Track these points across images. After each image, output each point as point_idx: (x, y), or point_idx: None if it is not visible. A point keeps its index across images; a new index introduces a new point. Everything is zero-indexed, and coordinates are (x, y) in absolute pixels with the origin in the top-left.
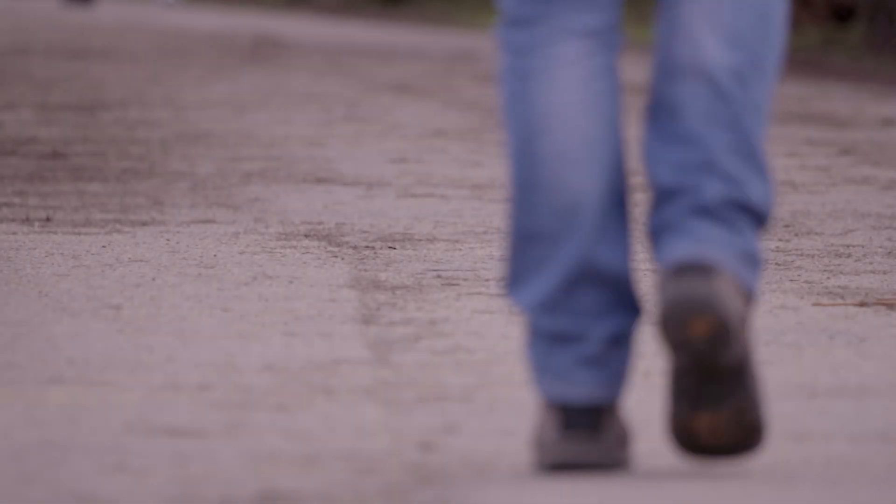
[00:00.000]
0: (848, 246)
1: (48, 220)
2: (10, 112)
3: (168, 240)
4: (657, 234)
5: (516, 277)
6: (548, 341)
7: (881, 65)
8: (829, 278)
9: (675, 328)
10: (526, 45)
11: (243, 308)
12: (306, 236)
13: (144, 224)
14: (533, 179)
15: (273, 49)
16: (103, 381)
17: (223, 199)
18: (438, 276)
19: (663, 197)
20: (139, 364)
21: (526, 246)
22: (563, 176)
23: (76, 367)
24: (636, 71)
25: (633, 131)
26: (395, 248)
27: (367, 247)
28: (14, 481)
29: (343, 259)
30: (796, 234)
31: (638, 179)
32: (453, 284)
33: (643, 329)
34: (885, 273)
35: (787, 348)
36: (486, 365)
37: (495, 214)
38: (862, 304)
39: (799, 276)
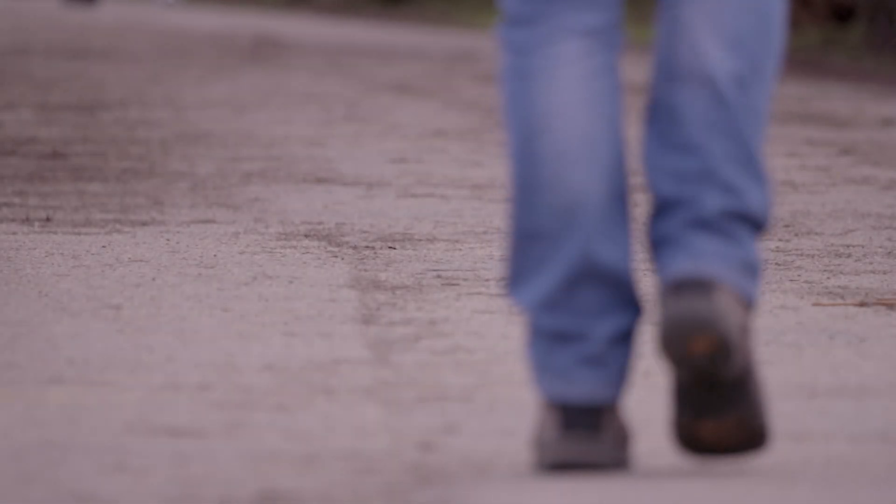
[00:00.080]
0: (848, 246)
1: (48, 220)
2: (10, 112)
3: (168, 240)
4: (657, 246)
5: (517, 277)
6: (548, 340)
7: (881, 65)
8: (829, 278)
9: (675, 346)
10: (527, 45)
11: (243, 308)
12: (306, 236)
13: (144, 224)
14: (534, 178)
15: (273, 49)
16: (103, 381)
17: (223, 199)
18: (438, 276)
19: (662, 208)
20: (139, 364)
21: (527, 245)
22: (564, 175)
23: (76, 367)
24: (636, 71)
25: (634, 131)
26: (395, 248)
27: (367, 247)
28: (14, 481)
29: (343, 259)
30: (796, 234)
31: (638, 179)
32: (453, 284)
33: (643, 329)
34: (885, 273)
35: (787, 348)
36: (486, 365)
37: (495, 214)
38: (862, 304)
39: (799, 276)
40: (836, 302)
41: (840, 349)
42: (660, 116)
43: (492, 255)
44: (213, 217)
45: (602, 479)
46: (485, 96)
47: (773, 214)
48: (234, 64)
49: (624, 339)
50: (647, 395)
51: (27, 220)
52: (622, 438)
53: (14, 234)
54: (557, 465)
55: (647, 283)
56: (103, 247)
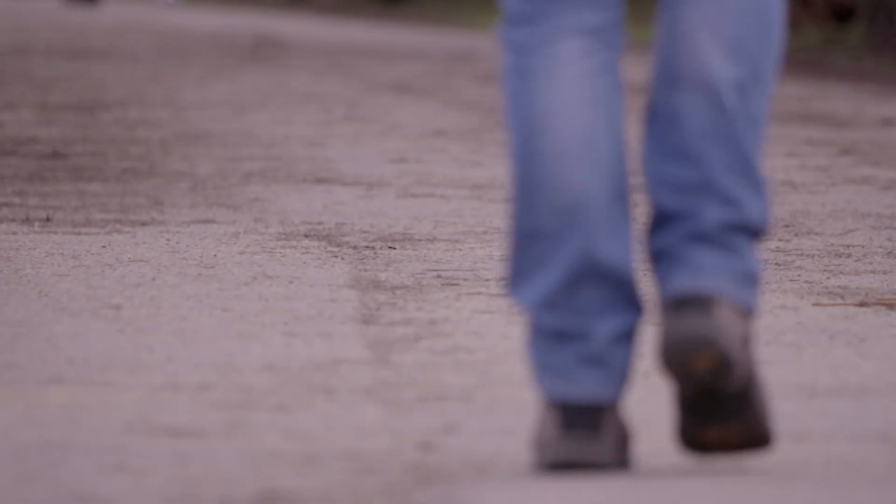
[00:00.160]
0: (848, 246)
1: (48, 220)
2: (10, 112)
3: (168, 240)
4: (656, 258)
5: (518, 276)
6: (549, 339)
7: (881, 65)
8: (829, 278)
9: (676, 364)
10: (527, 44)
11: (243, 308)
12: (306, 236)
13: (144, 224)
14: (534, 178)
15: (273, 49)
16: (103, 381)
17: (223, 199)
18: (438, 276)
19: (661, 220)
20: (139, 364)
21: (528, 244)
22: (565, 174)
23: (76, 367)
24: (636, 71)
25: (634, 131)
26: (395, 248)
27: (367, 247)
28: (14, 481)
29: (343, 259)
30: (796, 234)
31: (638, 179)
32: (453, 284)
33: (644, 328)
34: (885, 273)
35: (787, 348)
36: (486, 365)
37: (495, 214)
38: (862, 304)
39: (799, 276)
40: (836, 302)
41: (840, 349)
42: (659, 121)
43: (492, 255)
44: (213, 217)
45: (602, 479)
46: (485, 96)
47: (771, 221)
48: (234, 64)
49: (625, 339)
50: (647, 395)
51: (27, 220)
52: (622, 438)
53: (14, 234)
54: (558, 464)
55: (647, 283)
56: (103, 247)
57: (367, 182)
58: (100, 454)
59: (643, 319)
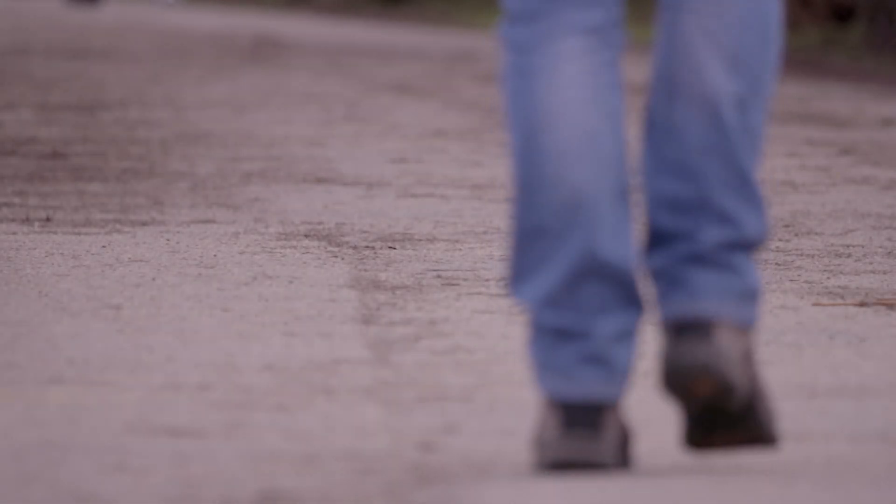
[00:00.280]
0: (848, 246)
1: (48, 220)
2: (10, 112)
3: (168, 240)
4: (654, 278)
5: (520, 274)
6: (551, 337)
7: (881, 65)
8: (829, 278)
9: (677, 389)
10: (528, 43)
11: (243, 308)
12: (306, 236)
13: (144, 224)
14: (536, 176)
15: (273, 49)
16: (103, 381)
17: (223, 199)
18: (438, 276)
19: (659, 239)
20: (139, 364)
21: (530, 242)
22: (566, 172)
23: (76, 367)
24: (636, 71)
25: (634, 131)
26: (395, 248)
27: (367, 247)
28: (14, 481)
29: (343, 259)
30: (796, 234)
31: (638, 179)
32: (453, 284)
33: (645, 328)
34: (885, 273)
35: (787, 348)
36: (486, 365)
37: (495, 214)
38: (862, 304)
39: (799, 276)
40: (836, 302)
41: (840, 349)
42: (657, 132)
43: (492, 255)
44: (213, 217)
45: (602, 478)
46: (485, 96)
47: (769, 234)
48: (234, 64)
49: (626, 338)
50: (647, 395)
51: (27, 220)
52: (623, 438)
53: (14, 234)
54: (558, 463)
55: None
56: (103, 247)
57: (367, 182)
58: (100, 454)
59: (644, 318)
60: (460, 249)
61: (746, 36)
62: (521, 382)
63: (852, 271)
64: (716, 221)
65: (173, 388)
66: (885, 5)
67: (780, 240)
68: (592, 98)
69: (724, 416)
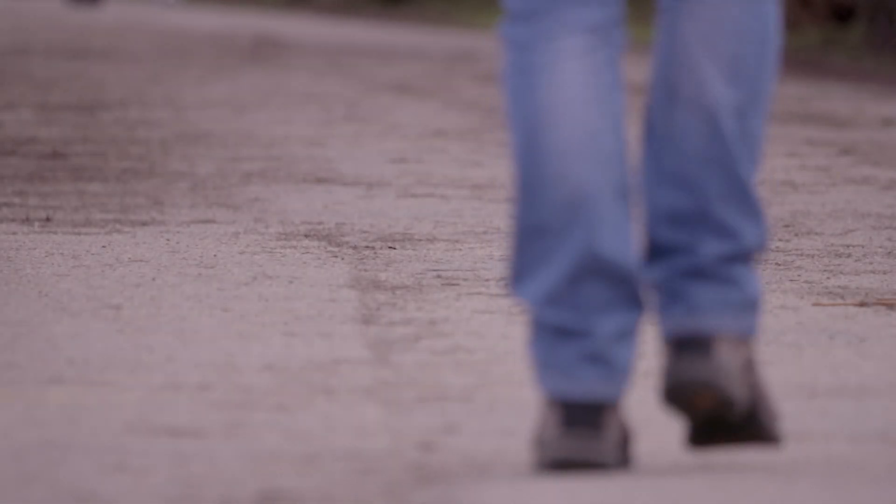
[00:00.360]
0: (848, 246)
1: (48, 220)
2: (10, 112)
3: (168, 240)
4: (654, 290)
5: (521, 272)
6: (552, 336)
7: (881, 65)
8: (829, 278)
9: (678, 403)
10: (529, 41)
11: (243, 308)
12: (306, 236)
13: (144, 224)
14: (537, 174)
15: (273, 49)
16: (103, 381)
17: (223, 199)
18: (438, 276)
19: (658, 253)
20: (139, 364)
21: (531, 240)
22: (568, 170)
23: (76, 367)
24: (636, 71)
25: (634, 131)
26: (395, 248)
27: (367, 247)
28: (14, 481)
29: (343, 259)
30: (796, 234)
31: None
32: (453, 284)
33: (645, 327)
34: (885, 273)
35: (787, 348)
36: (486, 365)
37: (495, 214)
38: (862, 304)
39: (799, 276)
40: (836, 302)
41: (840, 349)
42: (656, 140)
43: (492, 255)
44: (213, 217)
45: (602, 478)
46: (485, 96)
47: (769, 242)
48: (234, 64)
49: (626, 337)
50: (647, 395)
51: (27, 220)
52: (623, 438)
53: (14, 234)
54: (558, 463)
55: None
56: (103, 247)
57: (367, 182)
58: (100, 454)
59: (645, 317)
60: (460, 249)
61: (745, 43)
62: (521, 382)
63: (852, 271)
64: (715, 234)
65: (173, 388)
66: (885, 5)
67: (780, 240)
68: (593, 97)
69: (725, 425)
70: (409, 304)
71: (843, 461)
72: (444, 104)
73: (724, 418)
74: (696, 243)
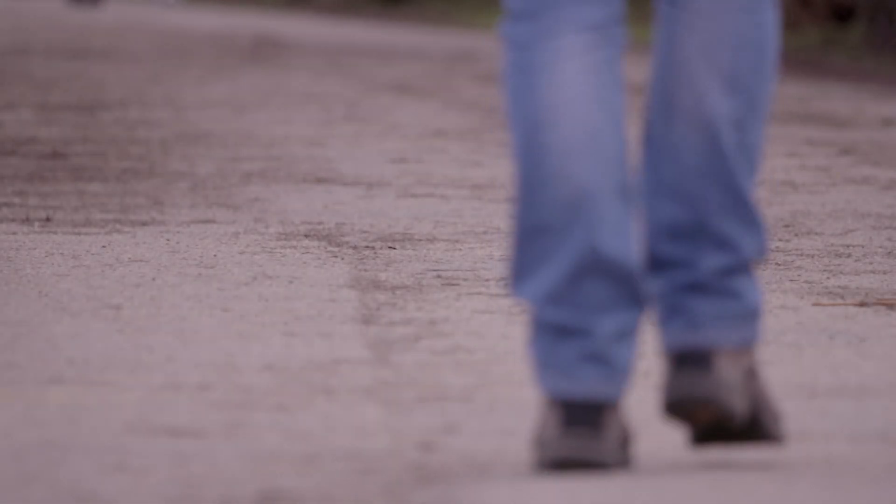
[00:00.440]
0: (848, 246)
1: (48, 220)
2: (10, 112)
3: (168, 240)
4: (655, 302)
5: (521, 271)
6: (552, 335)
7: (881, 65)
8: (829, 278)
9: (679, 416)
10: (530, 39)
11: (243, 308)
12: (306, 236)
13: (144, 224)
14: (538, 173)
15: (273, 49)
16: (103, 381)
17: (223, 199)
18: (438, 276)
19: (658, 265)
20: (139, 364)
21: (532, 239)
22: (569, 168)
23: (76, 367)
24: (636, 71)
25: (634, 131)
26: (395, 248)
27: (367, 247)
28: (14, 481)
29: (343, 259)
30: (796, 234)
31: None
32: (453, 284)
33: (645, 327)
34: (885, 273)
35: (787, 348)
36: (486, 365)
37: (495, 214)
38: (862, 304)
39: (799, 276)
40: (836, 302)
41: (840, 349)
42: (655, 151)
43: (492, 255)
44: (213, 217)
45: (602, 478)
46: (485, 96)
47: (768, 250)
48: (234, 64)
49: (626, 337)
50: (647, 395)
51: (27, 220)
52: (623, 439)
53: (14, 234)
54: (558, 462)
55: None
56: (103, 247)
57: (367, 182)
58: (100, 454)
59: (645, 316)
60: (460, 249)
61: (744, 55)
62: (521, 382)
63: (852, 271)
64: (715, 247)
65: (173, 388)
66: (885, 5)
67: (780, 240)
68: (594, 95)
69: (727, 431)
70: (409, 304)
71: (843, 461)
72: (444, 104)
73: (725, 427)
74: (695, 257)
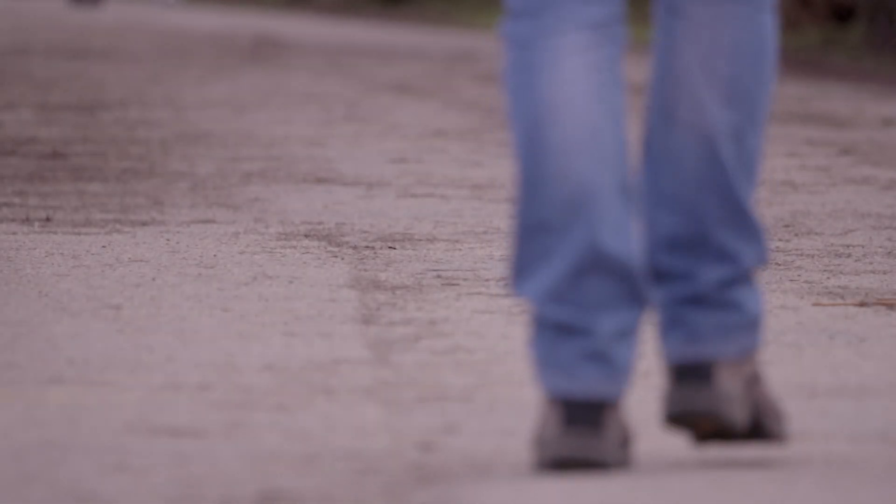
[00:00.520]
0: (848, 246)
1: (48, 220)
2: (10, 112)
3: (168, 240)
4: (656, 313)
5: (523, 269)
6: (553, 333)
7: (881, 65)
8: (829, 278)
9: (680, 427)
10: (531, 38)
11: (243, 308)
12: (306, 236)
13: (144, 224)
14: (539, 171)
15: (273, 49)
16: (103, 381)
17: (223, 199)
18: (438, 276)
19: (658, 277)
20: (139, 364)
21: (533, 237)
22: (570, 166)
23: (76, 367)
24: (636, 71)
25: (634, 131)
26: (395, 248)
27: (367, 247)
28: (14, 481)
29: (343, 259)
30: (796, 234)
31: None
32: (453, 284)
33: (645, 326)
34: (885, 273)
35: (787, 348)
36: (486, 365)
37: (495, 214)
38: (862, 304)
39: (799, 276)
40: (836, 302)
41: (840, 349)
42: (655, 160)
43: (492, 255)
44: (213, 217)
45: (602, 478)
46: (485, 96)
47: (768, 258)
48: (234, 64)
49: (627, 336)
50: (647, 395)
51: (27, 220)
52: (624, 439)
53: (14, 234)
54: (558, 461)
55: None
56: (103, 247)
57: (367, 182)
58: (100, 454)
59: (646, 315)
60: (460, 249)
61: (743, 63)
62: (521, 382)
63: (852, 271)
64: (715, 259)
65: (173, 388)
66: (885, 5)
67: (780, 240)
68: (595, 93)
69: (728, 438)
70: (409, 304)
71: (843, 461)
72: (444, 104)
73: (726, 435)
74: (695, 270)
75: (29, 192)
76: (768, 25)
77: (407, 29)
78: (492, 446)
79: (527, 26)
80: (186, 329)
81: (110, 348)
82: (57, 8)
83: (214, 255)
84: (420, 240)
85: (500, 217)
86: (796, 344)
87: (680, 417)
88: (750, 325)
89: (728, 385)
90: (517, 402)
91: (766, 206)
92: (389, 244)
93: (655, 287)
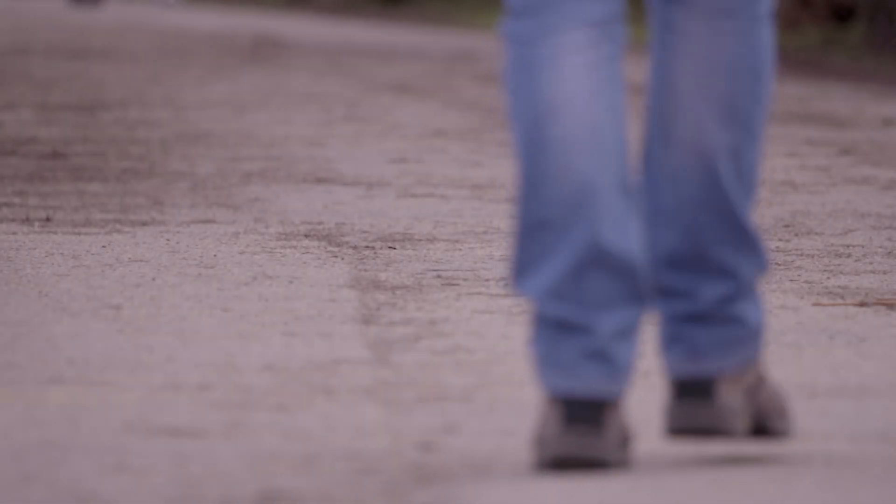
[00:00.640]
0: (848, 246)
1: (48, 220)
2: (10, 112)
3: (168, 240)
4: (657, 327)
5: (524, 267)
6: (553, 332)
7: (881, 65)
8: (829, 278)
9: (683, 439)
10: (532, 35)
11: (243, 308)
12: (306, 236)
13: (144, 224)
14: (540, 168)
15: (273, 49)
16: (103, 381)
17: (223, 199)
18: (438, 276)
19: (658, 293)
20: (139, 364)
21: (534, 235)
22: (571, 163)
23: (76, 367)
24: (636, 71)
25: (634, 131)
26: (395, 248)
27: (367, 247)
28: (14, 481)
29: (343, 259)
30: (796, 234)
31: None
32: (453, 284)
33: (646, 326)
34: (885, 273)
35: (787, 348)
36: (486, 365)
37: (495, 214)
38: (862, 304)
39: (799, 276)
40: (836, 302)
41: (840, 349)
42: (654, 180)
43: (492, 255)
44: (213, 217)
45: (602, 478)
46: (485, 96)
47: (769, 269)
48: (234, 64)
49: (628, 335)
50: (647, 395)
51: (27, 220)
52: (623, 438)
53: (14, 234)
54: (559, 460)
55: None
56: (103, 247)
57: (367, 182)
58: (100, 454)
59: (647, 314)
60: (460, 249)
61: (740, 80)
62: (521, 382)
63: (852, 271)
64: (715, 276)
65: (173, 388)
66: (885, 5)
67: (780, 240)
68: (595, 91)
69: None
70: (409, 304)
71: (843, 461)
72: (444, 104)
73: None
74: (695, 287)
75: (29, 192)
76: (765, 39)
77: (407, 29)
78: (492, 446)
79: (527, 25)
80: (186, 329)
81: (110, 348)
82: (57, 8)
83: (214, 255)
84: (420, 240)
85: (501, 217)
86: (796, 344)
87: (680, 432)
88: (751, 336)
89: (729, 399)
90: (517, 402)
91: (766, 206)
92: (389, 244)
93: (657, 301)
